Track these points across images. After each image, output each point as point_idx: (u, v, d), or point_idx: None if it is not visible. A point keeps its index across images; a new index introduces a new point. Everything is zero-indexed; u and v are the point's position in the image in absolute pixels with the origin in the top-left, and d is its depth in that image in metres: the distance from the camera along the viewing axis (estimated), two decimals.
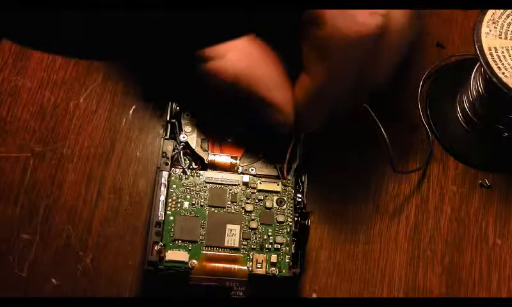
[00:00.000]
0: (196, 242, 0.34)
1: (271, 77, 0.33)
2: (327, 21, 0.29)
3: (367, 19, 0.29)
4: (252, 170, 0.36)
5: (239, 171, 0.36)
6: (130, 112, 0.39)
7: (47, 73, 0.39)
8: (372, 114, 0.35)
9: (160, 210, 0.34)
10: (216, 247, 0.34)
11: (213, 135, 0.36)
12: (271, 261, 0.34)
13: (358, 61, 0.31)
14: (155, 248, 0.33)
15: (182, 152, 0.35)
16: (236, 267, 0.33)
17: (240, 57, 0.32)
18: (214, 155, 0.35)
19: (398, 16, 0.31)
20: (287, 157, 0.35)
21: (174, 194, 0.34)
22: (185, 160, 0.35)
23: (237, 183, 0.35)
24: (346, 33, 0.29)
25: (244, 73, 0.33)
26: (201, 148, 0.36)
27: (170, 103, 0.36)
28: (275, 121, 0.34)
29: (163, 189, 0.34)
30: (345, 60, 0.31)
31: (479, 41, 0.35)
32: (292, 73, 0.33)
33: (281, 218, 0.35)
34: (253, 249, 0.34)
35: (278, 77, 0.33)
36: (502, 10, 0.35)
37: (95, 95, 0.39)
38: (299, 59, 0.32)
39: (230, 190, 0.35)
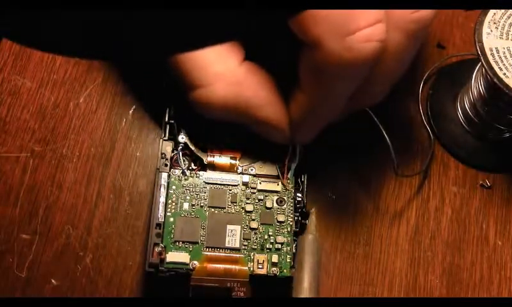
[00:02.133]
0: (197, 243, 0.33)
1: (261, 96, 0.33)
2: (323, 44, 0.29)
3: (362, 45, 0.29)
4: (252, 170, 0.35)
5: (239, 171, 0.35)
6: (130, 112, 0.39)
7: (47, 73, 0.39)
8: (372, 115, 0.35)
9: (160, 211, 0.33)
10: (217, 247, 0.34)
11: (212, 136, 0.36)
12: (272, 261, 0.33)
13: (354, 84, 0.31)
14: (156, 250, 0.32)
15: (181, 153, 0.35)
16: (237, 267, 0.33)
17: (227, 82, 0.32)
18: (214, 155, 0.35)
19: (395, 39, 0.31)
20: (287, 157, 0.35)
21: (174, 195, 0.34)
22: (184, 161, 0.35)
23: (236, 184, 0.35)
24: (342, 58, 0.29)
25: (232, 97, 0.32)
26: (200, 148, 0.35)
27: (169, 104, 0.36)
28: (271, 137, 0.34)
29: (163, 190, 0.34)
30: (340, 83, 0.31)
31: (480, 41, 0.35)
32: (284, 86, 0.33)
33: (281, 218, 0.35)
34: (254, 249, 0.34)
35: (268, 94, 0.33)
36: (503, 11, 0.35)
37: (95, 95, 0.39)
38: (289, 71, 0.32)
39: (230, 190, 0.35)
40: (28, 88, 0.38)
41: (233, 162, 0.35)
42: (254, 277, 0.33)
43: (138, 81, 0.39)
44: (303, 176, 0.36)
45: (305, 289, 0.31)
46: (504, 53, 0.34)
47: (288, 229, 0.34)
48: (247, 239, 0.34)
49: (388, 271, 0.36)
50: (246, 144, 0.36)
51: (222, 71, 0.32)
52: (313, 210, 0.35)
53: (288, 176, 0.35)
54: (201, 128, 0.35)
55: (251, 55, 0.34)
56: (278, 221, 0.34)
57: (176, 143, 0.35)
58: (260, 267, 0.33)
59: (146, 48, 0.20)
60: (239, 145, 0.36)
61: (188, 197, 0.34)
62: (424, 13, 0.31)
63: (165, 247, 0.33)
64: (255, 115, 0.33)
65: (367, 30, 0.29)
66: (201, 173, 0.35)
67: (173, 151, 0.35)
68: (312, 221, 0.34)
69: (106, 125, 0.38)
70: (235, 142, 0.36)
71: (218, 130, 0.36)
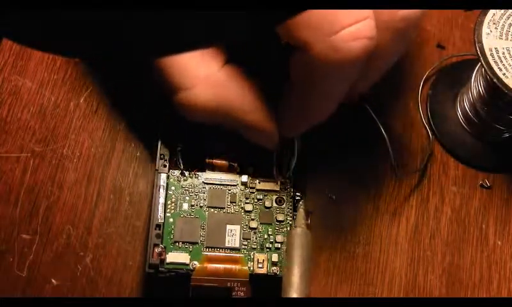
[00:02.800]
0: (197, 243, 0.34)
1: (245, 101, 0.33)
2: (310, 47, 0.29)
3: (349, 44, 0.29)
4: (250, 170, 0.35)
5: (237, 171, 0.35)
6: (131, 112, 0.39)
7: (48, 73, 0.39)
8: (373, 114, 0.35)
9: (159, 212, 0.34)
10: (217, 247, 0.34)
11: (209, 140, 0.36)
12: (272, 260, 0.34)
13: (346, 82, 0.31)
14: (156, 251, 0.33)
15: (180, 154, 0.35)
16: (237, 267, 0.33)
17: (207, 85, 0.32)
18: (212, 156, 0.35)
19: (384, 38, 0.31)
20: (274, 157, 0.35)
21: (173, 196, 0.34)
22: (183, 161, 0.35)
23: (235, 184, 0.35)
24: (329, 58, 0.29)
25: (213, 100, 0.32)
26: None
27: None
28: (259, 142, 0.34)
29: (162, 191, 0.34)
30: (332, 83, 0.31)
31: (480, 41, 0.35)
32: (275, 88, 0.33)
33: (280, 217, 0.35)
34: (254, 248, 0.34)
35: (250, 98, 0.33)
36: (502, 11, 0.35)
37: (95, 95, 0.39)
38: (281, 72, 0.32)
39: (229, 190, 0.35)
40: (28, 88, 0.38)
41: (231, 162, 0.35)
42: (254, 277, 0.33)
43: (138, 81, 0.39)
44: (302, 177, 0.35)
45: (295, 283, 0.31)
46: (504, 53, 0.34)
47: (288, 228, 0.34)
48: (247, 239, 0.34)
49: (387, 270, 0.36)
50: (244, 144, 0.36)
51: (202, 74, 0.32)
52: (301, 202, 0.35)
53: (288, 175, 0.35)
54: (198, 133, 0.35)
55: (241, 58, 0.33)
56: (277, 220, 0.34)
57: (175, 144, 0.35)
58: (260, 266, 0.33)
59: (146, 48, 0.20)
60: (237, 145, 0.36)
61: (187, 198, 0.34)
62: (412, 11, 0.31)
63: (165, 247, 0.33)
64: (238, 119, 0.33)
65: (351, 28, 0.28)
66: (200, 173, 0.35)
67: (171, 152, 0.35)
68: (300, 214, 0.34)
69: (106, 125, 0.38)
70: (232, 144, 0.36)
71: (215, 134, 0.36)
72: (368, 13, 0.29)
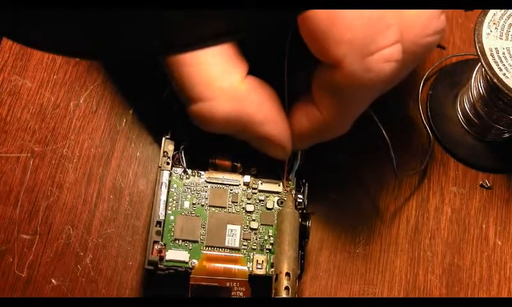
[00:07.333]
0: (197, 241, 0.34)
1: (263, 113, 0.32)
2: (343, 65, 0.29)
3: (382, 65, 0.29)
4: (253, 170, 0.35)
5: (240, 171, 0.35)
6: (131, 112, 0.39)
7: (47, 73, 0.39)
8: (373, 114, 0.35)
9: (161, 209, 0.34)
10: (216, 247, 0.34)
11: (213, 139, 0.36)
12: (271, 261, 0.33)
13: (366, 101, 0.32)
14: (156, 247, 0.33)
15: (183, 152, 0.35)
16: (236, 267, 0.33)
17: (229, 98, 0.32)
18: (215, 157, 0.35)
19: (404, 59, 0.31)
20: (287, 160, 0.35)
21: (175, 194, 0.34)
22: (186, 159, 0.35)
23: (238, 184, 0.35)
24: (361, 79, 0.29)
25: (234, 113, 0.32)
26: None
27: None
28: (271, 153, 0.34)
29: (164, 189, 0.34)
30: (357, 102, 0.31)
31: (480, 42, 0.35)
32: (284, 95, 0.33)
33: None
34: (254, 249, 0.34)
35: (270, 111, 0.33)
36: (503, 11, 0.35)
37: (95, 95, 0.39)
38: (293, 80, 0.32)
39: (231, 190, 0.35)
40: (28, 88, 0.38)
41: (234, 162, 0.35)
42: (253, 277, 0.33)
43: (138, 81, 0.39)
44: (304, 178, 0.35)
45: (285, 251, 0.32)
46: (504, 53, 0.34)
47: None
48: (247, 239, 0.34)
49: (387, 271, 0.36)
50: (247, 145, 0.35)
51: (225, 86, 0.31)
52: (290, 187, 0.35)
53: (290, 177, 0.35)
54: (202, 132, 0.35)
55: (255, 65, 0.33)
56: None
57: (179, 142, 0.35)
58: (259, 267, 0.33)
59: (146, 48, 0.20)
60: (240, 146, 0.36)
61: (189, 196, 0.34)
62: (434, 39, 0.31)
63: (165, 245, 0.33)
64: (256, 131, 0.33)
65: (386, 50, 0.29)
66: (202, 172, 0.35)
67: (175, 150, 0.35)
68: (290, 198, 0.34)
69: (106, 125, 0.38)
70: (236, 144, 0.36)
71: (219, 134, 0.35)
72: (399, 36, 0.29)
